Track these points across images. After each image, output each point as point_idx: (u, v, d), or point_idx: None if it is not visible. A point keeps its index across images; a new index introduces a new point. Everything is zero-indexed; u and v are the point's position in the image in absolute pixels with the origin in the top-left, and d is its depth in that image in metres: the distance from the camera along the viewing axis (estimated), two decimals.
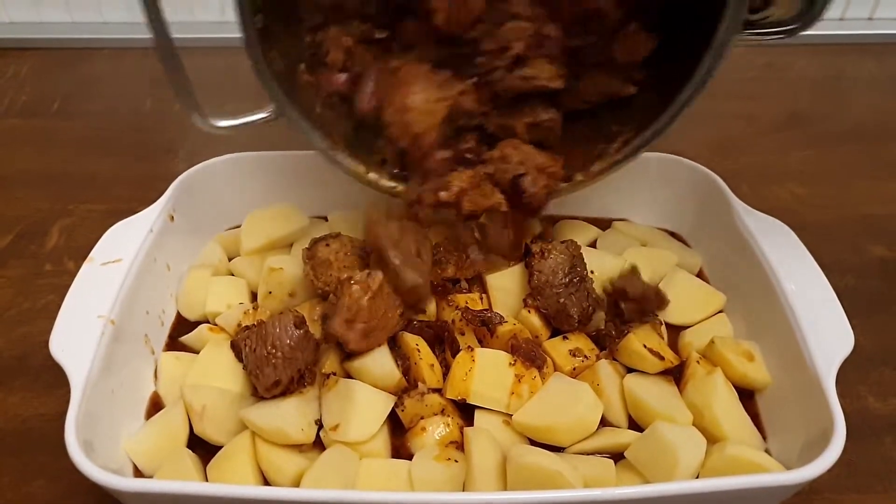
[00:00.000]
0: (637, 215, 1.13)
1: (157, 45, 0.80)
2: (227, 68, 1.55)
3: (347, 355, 0.87)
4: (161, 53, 0.80)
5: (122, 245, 0.91)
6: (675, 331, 0.95)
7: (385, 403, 0.83)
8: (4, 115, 1.52)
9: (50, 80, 1.65)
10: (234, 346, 0.87)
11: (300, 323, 0.83)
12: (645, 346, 0.86)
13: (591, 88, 0.95)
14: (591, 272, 0.95)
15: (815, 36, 1.75)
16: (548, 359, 0.88)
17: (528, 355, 0.86)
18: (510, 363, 0.84)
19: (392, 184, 0.99)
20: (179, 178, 1.03)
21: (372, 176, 0.98)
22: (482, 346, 0.89)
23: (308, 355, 0.84)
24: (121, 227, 0.95)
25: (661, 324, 0.94)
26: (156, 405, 0.87)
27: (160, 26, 0.78)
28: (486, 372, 0.83)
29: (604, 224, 1.11)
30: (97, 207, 1.24)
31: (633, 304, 0.91)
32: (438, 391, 0.85)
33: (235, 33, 0.81)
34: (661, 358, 0.87)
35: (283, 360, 0.81)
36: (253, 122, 0.91)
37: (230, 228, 1.10)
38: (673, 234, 1.11)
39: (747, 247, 0.94)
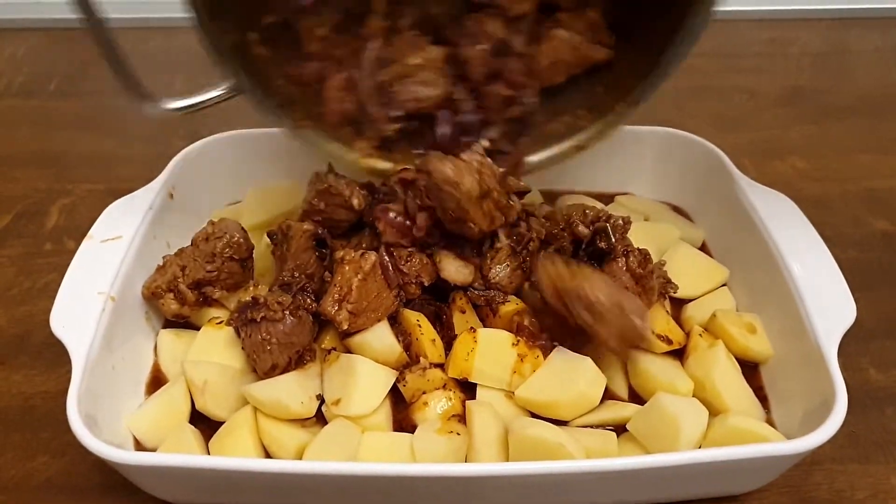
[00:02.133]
0: (640, 189, 1.13)
1: (88, 28, 0.75)
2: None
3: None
4: (94, 36, 0.76)
5: (122, 222, 0.91)
6: (677, 304, 0.95)
7: (387, 378, 0.83)
8: (2, 96, 1.52)
9: (47, 60, 1.64)
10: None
11: (294, 309, 0.83)
12: (654, 333, 0.86)
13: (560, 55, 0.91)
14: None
15: (819, 10, 1.76)
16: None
17: (532, 335, 0.86)
18: (513, 343, 0.84)
19: (384, 164, 0.94)
20: (179, 155, 1.02)
21: (352, 156, 0.94)
22: (485, 326, 0.89)
23: (304, 338, 0.84)
24: (120, 205, 0.94)
25: (666, 298, 0.93)
26: (157, 381, 0.87)
27: (88, 7, 0.74)
28: (488, 352, 0.83)
29: (606, 198, 1.11)
30: (97, 187, 1.24)
31: None
32: (440, 366, 0.85)
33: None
34: (670, 342, 0.87)
35: (278, 346, 0.81)
36: (208, 101, 0.85)
37: (230, 205, 1.10)
38: (676, 209, 1.11)
39: (750, 220, 0.93)
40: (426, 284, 0.89)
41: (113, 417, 0.79)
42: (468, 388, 0.85)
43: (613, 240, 0.87)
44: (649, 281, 0.87)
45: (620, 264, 0.86)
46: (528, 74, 0.89)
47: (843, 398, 0.71)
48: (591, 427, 0.81)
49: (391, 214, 0.88)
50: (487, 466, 0.70)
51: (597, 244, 0.87)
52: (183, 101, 0.84)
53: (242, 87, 0.84)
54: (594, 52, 0.90)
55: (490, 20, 0.88)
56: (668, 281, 0.92)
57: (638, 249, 0.88)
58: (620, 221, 0.88)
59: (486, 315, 0.91)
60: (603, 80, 0.92)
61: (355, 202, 0.91)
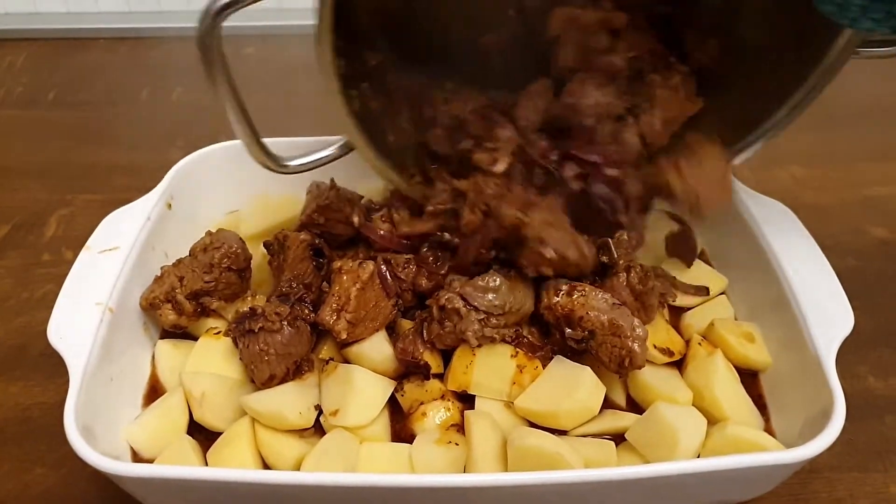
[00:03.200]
0: None
1: (229, 106, 0.75)
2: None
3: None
4: (229, 105, 0.75)
5: (120, 233, 0.91)
6: (676, 313, 0.95)
7: (385, 388, 0.83)
8: (0, 106, 1.52)
9: (46, 71, 1.64)
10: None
11: (292, 320, 0.83)
12: (655, 347, 0.86)
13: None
14: None
15: None
16: None
17: (532, 347, 0.86)
18: (511, 354, 0.84)
19: None
20: (177, 165, 1.02)
21: None
22: None
23: (302, 348, 0.84)
24: (118, 215, 0.94)
25: (664, 307, 0.93)
26: (154, 392, 0.87)
27: (229, 87, 0.74)
28: (486, 364, 0.83)
29: None
30: (95, 197, 1.24)
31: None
32: (439, 376, 0.85)
33: (233, 22, 0.78)
34: (671, 354, 0.87)
35: (276, 356, 0.81)
36: (324, 158, 0.86)
37: (229, 213, 1.10)
38: (674, 217, 1.11)
39: (748, 229, 0.94)
40: (424, 287, 0.89)
41: (110, 429, 0.79)
42: (467, 398, 0.84)
43: (616, 255, 0.87)
44: (649, 298, 0.87)
45: (621, 279, 0.86)
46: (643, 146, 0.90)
47: (841, 407, 0.71)
48: (590, 437, 0.80)
49: (380, 231, 0.90)
50: (486, 477, 0.69)
51: (599, 258, 0.87)
52: (301, 160, 0.85)
53: (363, 152, 0.85)
54: (692, 105, 0.91)
55: (589, 87, 0.89)
56: (668, 291, 0.92)
57: (640, 265, 0.88)
58: (626, 237, 0.88)
59: None
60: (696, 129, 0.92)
61: (356, 220, 0.91)
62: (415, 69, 0.89)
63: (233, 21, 0.76)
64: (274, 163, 0.83)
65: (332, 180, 0.95)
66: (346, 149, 0.85)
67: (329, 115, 0.79)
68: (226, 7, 0.67)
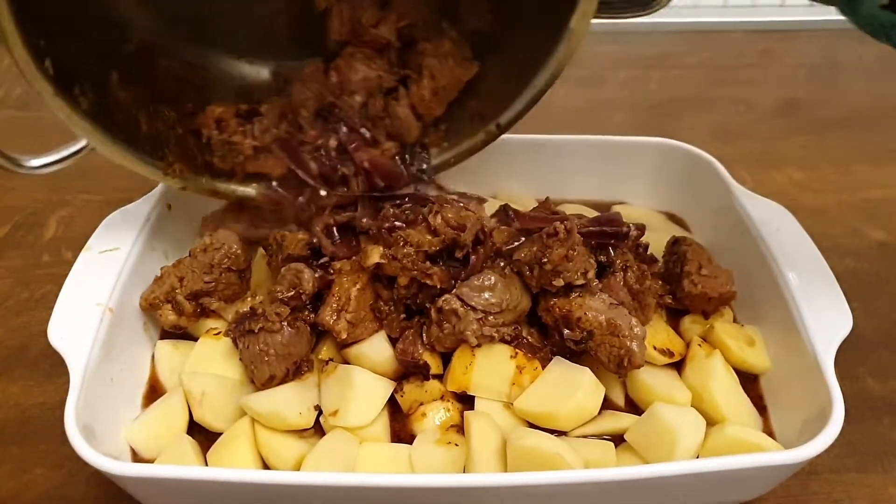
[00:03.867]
0: (636, 199, 1.13)
1: None
2: None
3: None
4: None
5: (120, 233, 0.91)
6: (676, 316, 0.95)
7: (385, 389, 0.83)
8: (0, 107, 1.52)
9: None
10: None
11: (292, 320, 0.83)
12: (655, 348, 0.86)
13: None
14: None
15: (812, 22, 1.77)
16: None
17: (532, 348, 0.86)
18: (511, 355, 0.84)
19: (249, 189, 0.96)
20: None
21: (229, 187, 0.96)
22: None
23: (302, 349, 0.84)
24: (118, 216, 0.94)
25: (662, 309, 0.93)
26: (154, 392, 0.87)
27: None
28: (486, 365, 0.83)
29: (603, 208, 1.10)
30: (95, 198, 1.24)
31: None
32: (438, 377, 0.85)
33: None
34: (671, 355, 0.87)
35: (276, 357, 0.81)
36: (72, 155, 0.85)
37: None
38: (673, 218, 1.11)
39: (747, 231, 0.94)
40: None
41: (110, 429, 0.79)
42: (466, 398, 0.84)
43: (613, 254, 0.87)
44: (646, 297, 0.87)
45: (618, 279, 0.87)
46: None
47: (840, 408, 0.71)
48: (589, 437, 0.80)
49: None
50: (486, 477, 0.70)
51: (596, 257, 0.87)
52: (44, 159, 0.84)
53: (104, 149, 0.84)
54: (465, 70, 0.92)
55: (357, 63, 0.91)
56: (666, 293, 0.93)
57: (637, 265, 0.88)
58: (625, 229, 0.88)
59: None
60: (475, 94, 0.94)
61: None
62: (186, 48, 0.89)
63: None
64: (9, 163, 0.82)
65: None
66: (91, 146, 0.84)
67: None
68: None
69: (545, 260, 0.81)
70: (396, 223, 0.84)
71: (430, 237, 0.83)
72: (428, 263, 0.83)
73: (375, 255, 0.83)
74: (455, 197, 0.92)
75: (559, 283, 0.81)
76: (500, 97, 0.91)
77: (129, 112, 0.86)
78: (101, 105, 0.82)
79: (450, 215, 0.83)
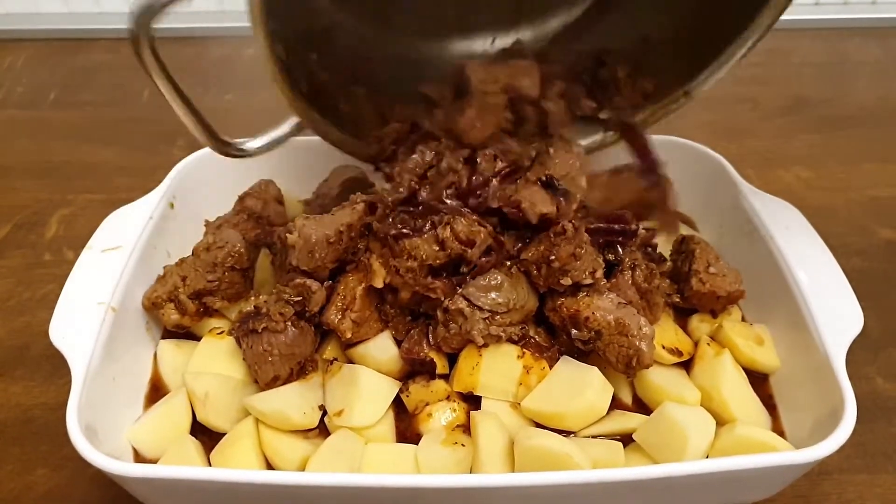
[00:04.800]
0: None
1: (160, 81, 0.75)
2: (222, 58, 1.55)
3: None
4: (167, 89, 0.75)
5: (122, 232, 0.91)
6: (684, 315, 0.94)
7: (390, 388, 0.82)
8: (1, 106, 1.52)
9: (46, 71, 1.64)
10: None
11: (296, 320, 0.82)
12: (664, 347, 0.85)
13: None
14: None
15: (818, 21, 1.76)
16: None
17: (539, 347, 0.85)
18: (518, 355, 0.83)
19: None
20: (179, 164, 1.02)
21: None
22: None
23: (306, 348, 0.83)
24: (120, 215, 0.94)
25: (670, 307, 0.93)
26: (156, 392, 0.86)
27: (170, 79, 0.75)
28: (493, 365, 0.82)
29: None
30: (96, 197, 1.24)
31: None
32: (444, 377, 0.84)
33: (233, 22, 0.78)
34: (680, 354, 0.86)
35: (280, 357, 0.81)
36: (281, 137, 0.86)
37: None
38: (681, 217, 1.10)
39: (755, 229, 0.93)
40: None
41: (112, 429, 0.78)
42: (473, 398, 0.83)
43: (621, 252, 0.86)
44: (654, 296, 0.86)
45: (627, 278, 0.86)
46: None
47: (852, 408, 0.71)
48: (598, 437, 0.80)
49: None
50: (493, 478, 0.69)
51: (604, 256, 0.86)
52: (257, 142, 0.85)
53: (319, 129, 0.85)
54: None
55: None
56: (674, 292, 0.92)
57: (645, 264, 0.87)
58: (633, 227, 0.87)
59: None
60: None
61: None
62: (366, 27, 0.90)
63: (233, 22, 0.76)
64: (230, 148, 0.83)
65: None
66: (301, 125, 0.85)
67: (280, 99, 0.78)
68: (153, 7, 0.67)
69: (553, 258, 0.80)
70: (404, 230, 0.82)
71: (436, 249, 0.81)
72: (430, 279, 0.82)
73: (379, 278, 0.82)
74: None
75: (567, 281, 0.80)
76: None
77: (330, 93, 0.87)
78: (311, 87, 0.82)
79: (460, 229, 0.81)
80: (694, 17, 0.91)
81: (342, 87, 0.88)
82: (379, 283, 0.82)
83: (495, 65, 0.92)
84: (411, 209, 0.85)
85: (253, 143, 0.84)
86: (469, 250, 0.81)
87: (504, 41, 0.99)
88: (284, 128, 0.85)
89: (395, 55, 0.94)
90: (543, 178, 0.84)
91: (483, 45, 0.99)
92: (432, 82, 0.93)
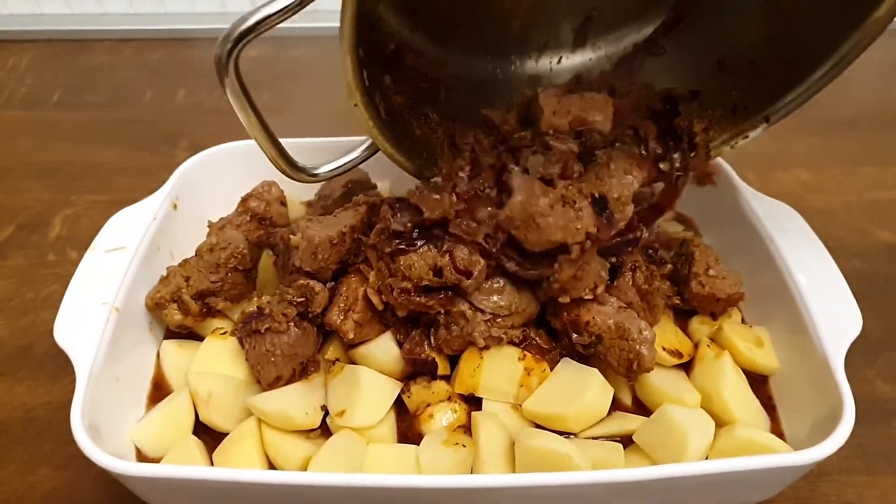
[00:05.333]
0: None
1: (250, 125, 0.75)
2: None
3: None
4: (250, 120, 0.75)
5: (126, 233, 0.91)
6: (684, 316, 0.95)
7: (391, 389, 0.83)
8: (5, 107, 1.52)
9: (50, 72, 1.64)
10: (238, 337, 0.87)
11: (299, 320, 0.83)
12: (664, 349, 0.86)
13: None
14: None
15: None
16: None
17: (540, 349, 0.85)
18: (519, 357, 0.83)
19: None
20: (182, 166, 1.03)
21: None
22: None
23: (308, 349, 0.83)
24: (124, 215, 0.94)
25: (670, 310, 0.93)
26: (158, 392, 0.87)
27: (253, 108, 0.74)
28: (494, 367, 0.83)
29: None
30: (99, 198, 1.24)
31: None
32: (446, 378, 0.85)
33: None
34: (680, 355, 0.87)
35: (282, 357, 0.81)
36: (350, 162, 0.85)
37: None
38: (682, 219, 1.11)
39: (755, 231, 0.93)
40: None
41: (116, 428, 0.79)
42: (474, 399, 0.84)
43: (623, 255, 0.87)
44: (655, 298, 0.87)
45: (627, 279, 0.86)
46: None
47: (850, 410, 0.71)
48: (598, 438, 0.80)
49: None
50: (494, 478, 0.69)
51: (607, 260, 0.86)
52: (329, 167, 0.84)
53: (393, 155, 0.84)
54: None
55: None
56: (674, 294, 0.92)
57: (646, 265, 0.88)
58: (639, 233, 0.87)
59: None
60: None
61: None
62: (432, 46, 0.88)
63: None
64: (303, 174, 0.82)
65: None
66: (374, 149, 0.84)
67: (351, 121, 0.77)
68: (246, 33, 0.66)
69: (552, 279, 0.80)
70: (400, 246, 0.82)
71: (431, 273, 0.80)
72: (423, 299, 0.81)
73: (376, 299, 0.83)
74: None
75: (565, 299, 0.81)
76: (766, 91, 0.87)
77: (404, 117, 0.86)
78: (388, 113, 0.81)
79: (459, 257, 0.80)
80: (776, 38, 0.86)
81: (415, 109, 0.87)
82: (379, 305, 0.83)
83: (568, 96, 0.87)
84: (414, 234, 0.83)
85: (326, 168, 0.84)
86: (466, 280, 0.80)
87: (571, 60, 0.97)
88: (357, 152, 0.85)
89: (462, 75, 0.93)
90: (596, 196, 0.81)
91: (549, 63, 0.97)
92: (500, 108, 0.90)
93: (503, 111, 0.90)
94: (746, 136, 0.91)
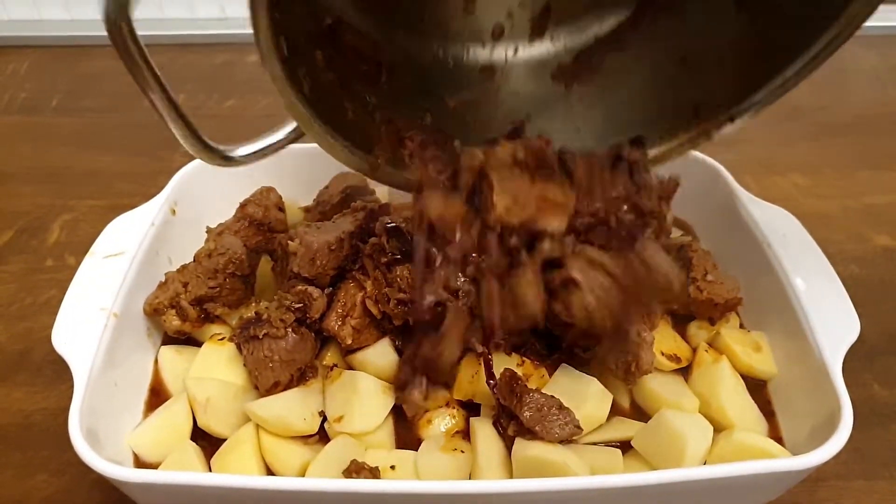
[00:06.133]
0: None
1: (152, 97, 0.69)
2: (224, 64, 1.55)
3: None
4: (154, 95, 0.69)
5: (124, 238, 0.91)
6: (682, 322, 0.95)
7: (389, 395, 0.82)
8: (4, 112, 1.52)
9: (49, 77, 1.64)
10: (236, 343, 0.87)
11: (297, 326, 0.83)
12: (662, 354, 0.86)
13: None
14: None
15: None
16: None
17: (539, 355, 0.85)
18: (518, 364, 0.83)
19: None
20: (181, 171, 1.02)
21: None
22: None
23: (306, 355, 0.83)
24: (122, 221, 0.94)
25: (668, 314, 0.93)
26: (156, 398, 0.87)
27: (152, 79, 0.67)
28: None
29: None
30: (98, 203, 1.24)
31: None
32: (444, 384, 0.85)
33: (235, 29, 0.74)
34: (678, 360, 0.87)
35: (280, 363, 0.81)
36: (273, 144, 0.78)
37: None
38: (679, 224, 1.11)
39: (752, 236, 0.94)
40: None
41: (113, 434, 0.78)
42: (471, 405, 0.84)
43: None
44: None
45: None
46: None
47: (848, 414, 0.71)
48: (596, 444, 0.80)
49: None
50: (492, 484, 0.69)
51: None
52: (247, 149, 0.77)
53: (317, 136, 0.77)
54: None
55: None
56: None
57: None
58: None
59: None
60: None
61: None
62: (374, 23, 0.83)
63: (237, 30, 0.74)
64: (216, 155, 0.75)
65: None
66: (298, 133, 0.77)
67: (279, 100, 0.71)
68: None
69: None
70: (397, 256, 0.81)
71: None
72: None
73: (374, 308, 0.83)
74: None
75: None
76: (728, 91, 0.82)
77: (335, 97, 0.79)
78: (314, 89, 0.74)
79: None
80: (747, 32, 0.81)
81: (348, 89, 0.81)
82: (377, 315, 0.83)
83: (527, 190, 0.77)
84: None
85: (242, 151, 0.77)
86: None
87: (528, 52, 0.92)
88: (279, 135, 0.78)
89: (408, 60, 0.88)
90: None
91: (505, 53, 0.92)
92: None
93: (448, 163, 0.80)
94: (709, 137, 0.85)
